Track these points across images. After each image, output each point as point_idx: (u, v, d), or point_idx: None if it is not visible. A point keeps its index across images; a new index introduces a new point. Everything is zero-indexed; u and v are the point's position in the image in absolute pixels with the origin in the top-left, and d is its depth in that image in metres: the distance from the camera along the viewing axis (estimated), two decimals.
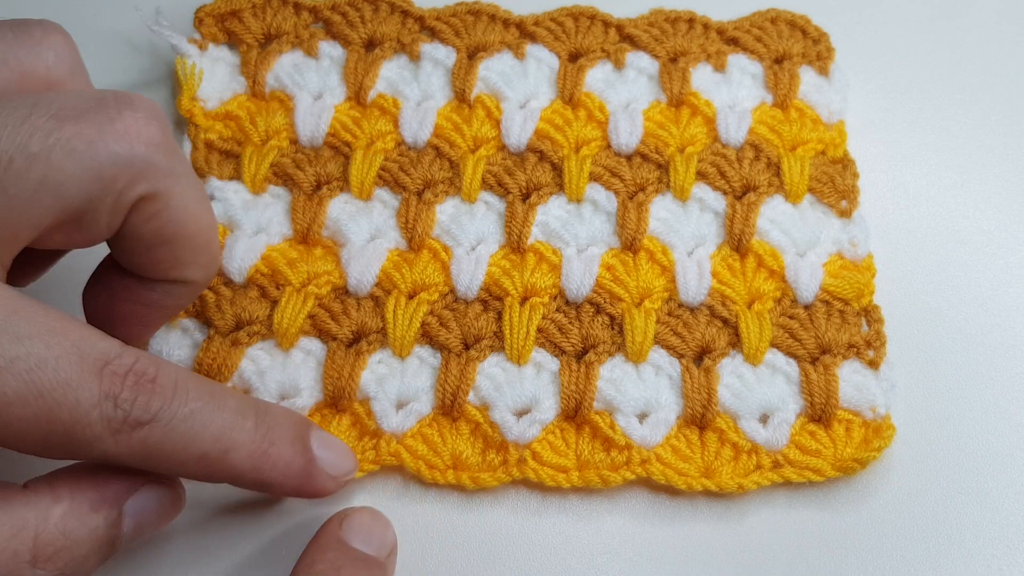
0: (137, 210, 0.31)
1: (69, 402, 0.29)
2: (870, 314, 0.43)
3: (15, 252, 0.30)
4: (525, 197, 0.44)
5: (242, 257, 0.42)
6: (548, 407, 0.40)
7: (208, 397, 0.32)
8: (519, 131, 0.45)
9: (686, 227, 0.44)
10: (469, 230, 0.44)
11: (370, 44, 0.48)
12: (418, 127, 0.45)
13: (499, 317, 0.42)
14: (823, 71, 0.48)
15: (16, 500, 0.30)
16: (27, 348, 0.28)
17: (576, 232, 0.44)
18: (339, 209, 0.44)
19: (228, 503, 0.39)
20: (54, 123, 0.29)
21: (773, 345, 0.42)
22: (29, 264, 0.36)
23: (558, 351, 0.41)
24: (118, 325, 0.35)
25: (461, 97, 0.46)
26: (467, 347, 0.41)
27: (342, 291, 0.42)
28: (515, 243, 0.43)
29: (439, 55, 0.47)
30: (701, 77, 0.47)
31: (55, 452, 0.30)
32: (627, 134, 0.45)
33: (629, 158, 0.45)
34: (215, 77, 0.46)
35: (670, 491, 0.40)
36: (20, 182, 0.29)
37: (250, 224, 0.43)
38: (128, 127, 0.31)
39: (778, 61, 0.48)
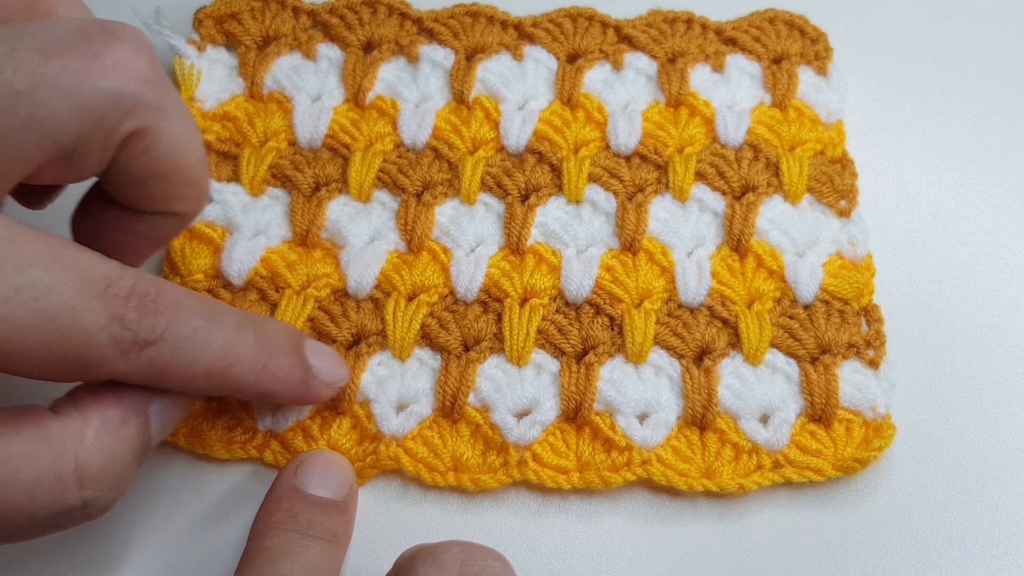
0: (127, 146, 0.31)
1: (77, 326, 0.29)
2: (870, 314, 0.43)
3: (7, 189, 0.30)
4: (524, 198, 0.44)
5: (241, 260, 0.42)
6: (548, 408, 0.40)
7: (209, 314, 0.33)
8: (518, 132, 0.45)
9: (685, 228, 0.44)
10: (468, 232, 0.43)
11: (368, 46, 0.48)
12: (417, 129, 0.45)
13: (499, 319, 0.42)
14: (821, 71, 0.48)
15: (49, 425, 0.30)
16: (30, 277, 0.28)
17: (575, 233, 0.44)
18: (338, 211, 0.44)
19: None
20: (39, 58, 0.28)
21: (773, 345, 0.42)
22: (30, 196, 0.36)
23: (558, 352, 0.41)
24: (108, 254, 0.34)
25: (460, 99, 0.46)
26: (467, 349, 0.41)
27: (341, 293, 0.42)
28: (514, 244, 0.43)
29: (437, 57, 0.47)
30: (699, 77, 0.47)
31: (66, 375, 0.30)
32: (626, 135, 0.45)
33: (628, 159, 0.45)
34: (213, 78, 0.46)
35: (671, 492, 0.40)
36: (7, 121, 0.28)
37: (249, 226, 0.43)
38: (116, 61, 0.30)
39: (776, 61, 0.48)
